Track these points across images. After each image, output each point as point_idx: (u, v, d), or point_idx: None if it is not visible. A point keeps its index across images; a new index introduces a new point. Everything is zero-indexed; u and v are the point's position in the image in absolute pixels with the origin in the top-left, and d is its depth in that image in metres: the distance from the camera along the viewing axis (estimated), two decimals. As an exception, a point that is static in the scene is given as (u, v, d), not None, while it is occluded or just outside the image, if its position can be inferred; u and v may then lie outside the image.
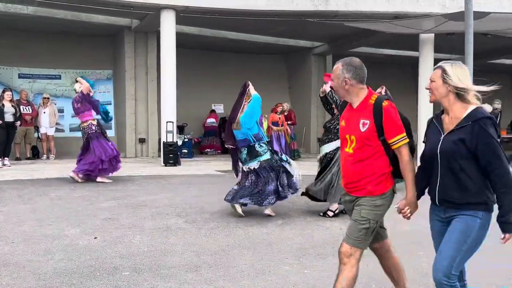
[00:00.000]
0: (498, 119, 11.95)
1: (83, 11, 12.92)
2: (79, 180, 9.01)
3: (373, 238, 3.21)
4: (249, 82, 6.57)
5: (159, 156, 13.50)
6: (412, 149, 3.09)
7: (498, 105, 12.16)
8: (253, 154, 6.31)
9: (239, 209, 6.38)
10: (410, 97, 15.38)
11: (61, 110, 14.36)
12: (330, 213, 6.59)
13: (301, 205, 7.39)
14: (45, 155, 13.41)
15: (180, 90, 13.00)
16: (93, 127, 8.99)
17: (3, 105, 11.36)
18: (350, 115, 3.14)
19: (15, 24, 13.61)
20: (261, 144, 6.33)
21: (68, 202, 7.33)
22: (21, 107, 12.42)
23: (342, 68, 3.08)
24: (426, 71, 13.48)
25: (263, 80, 16.57)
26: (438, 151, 2.75)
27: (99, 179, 9.11)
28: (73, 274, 4.15)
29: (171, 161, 12.13)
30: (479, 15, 10.51)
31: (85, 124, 9.04)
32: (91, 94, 9.20)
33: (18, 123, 11.80)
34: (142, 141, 14.84)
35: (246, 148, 6.34)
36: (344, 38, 15.76)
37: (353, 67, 3.08)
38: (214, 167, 12.00)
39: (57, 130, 13.82)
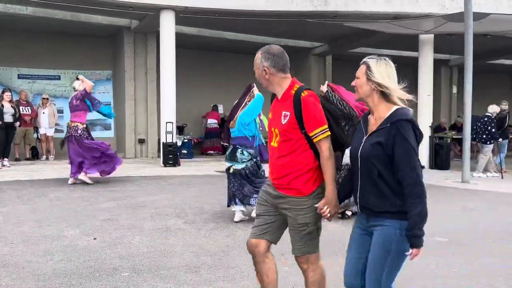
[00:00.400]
0: (507, 119, 11.93)
1: (83, 12, 12.92)
2: (77, 182, 8.85)
3: (271, 235, 3.01)
4: (254, 84, 6.53)
5: (159, 156, 13.50)
6: (341, 144, 2.95)
7: (505, 106, 12.12)
8: (232, 156, 6.19)
9: (239, 215, 6.29)
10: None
11: (60, 111, 14.34)
12: (349, 213, 6.50)
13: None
14: (44, 156, 13.40)
15: (179, 91, 12.99)
16: (79, 131, 8.78)
17: (2, 105, 11.35)
18: (275, 107, 2.98)
19: (14, 25, 13.61)
20: (244, 152, 6.16)
21: (67, 202, 7.32)
22: (21, 107, 12.41)
23: (261, 57, 2.90)
24: (426, 72, 13.50)
25: (263, 80, 16.57)
26: (359, 155, 2.55)
27: (81, 176, 8.79)
28: (73, 275, 4.14)
29: (171, 162, 12.13)
30: (478, 16, 10.51)
31: (73, 124, 8.83)
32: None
33: (18, 123, 11.79)
34: (141, 141, 14.84)
35: (232, 146, 6.23)
36: (343, 39, 15.76)
37: (271, 55, 2.89)
38: (214, 168, 12.00)
39: (56, 130, 13.80)
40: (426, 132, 13.37)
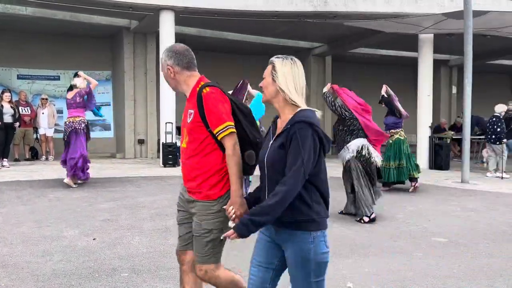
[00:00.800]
0: None
1: (82, 12, 12.91)
2: (73, 186, 8.70)
3: (186, 241, 2.92)
4: (247, 81, 6.44)
5: (158, 157, 13.49)
6: (252, 143, 2.77)
7: None
8: None
9: None
10: (410, 98, 15.37)
11: (60, 111, 14.33)
12: (366, 219, 6.38)
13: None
14: (44, 156, 13.39)
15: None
16: (83, 124, 8.75)
17: (2, 106, 11.35)
18: (185, 107, 2.88)
19: (14, 25, 13.60)
20: None
21: (66, 203, 7.31)
22: (20, 108, 12.41)
23: (165, 56, 2.85)
24: (426, 72, 13.49)
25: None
26: (265, 160, 2.38)
27: (66, 180, 8.68)
28: (72, 276, 4.14)
29: (170, 162, 12.12)
30: (478, 14, 10.53)
31: (78, 119, 8.70)
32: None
33: (17, 124, 11.79)
34: (141, 142, 14.84)
35: None
36: (343, 39, 15.76)
37: (174, 52, 2.84)
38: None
39: (56, 131, 13.80)
40: (426, 132, 13.38)
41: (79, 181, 8.94)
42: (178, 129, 14.69)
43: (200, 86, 2.78)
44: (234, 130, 2.70)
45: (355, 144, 6.44)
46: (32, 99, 14.27)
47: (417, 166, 9.10)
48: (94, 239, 5.33)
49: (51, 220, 6.19)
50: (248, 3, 12.11)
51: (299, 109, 2.36)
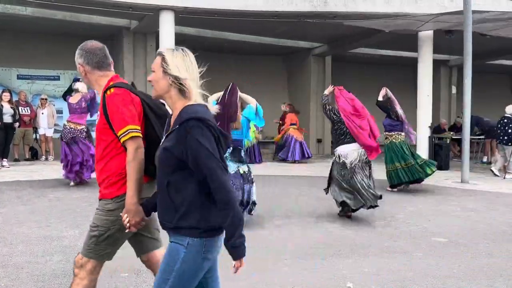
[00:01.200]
0: None
1: (82, 12, 12.91)
2: (72, 184, 8.77)
3: (139, 249, 2.90)
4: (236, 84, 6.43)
5: (158, 157, 13.48)
6: (152, 143, 2.58)
7: None
8: (236, 157, 5.97)
9: None
10: (410, 98, 15.39)
11: (59, 111, 14.32)
12: (349, 213, 6.56)
13: (300, 206, 7.39)
14: (43, 156, 13.39)
15: (179, 91, 12.97)
16: (84, 133, 8.82)
17: (1, 106, 11.36)
18: None
19: (14, 25, 13.61)
20: (242, 152, 6.06)
21: (66, 203, 7.31)
22: (20, 108, 12.41)
23: (77, 53, 2.78)
24: (425, 71, 13.49)
25: (263, 81, 16.57)
26: (156, 160, 2.25)
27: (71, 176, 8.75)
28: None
29: (170, 162, 12.10)
30: (477, 13, 10.54)
31: (79, 127, 8.78)
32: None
33: (17, 124, 11.80)
34: (141, 142, 14.83)
35: (232, 147, 5.97)
36: (343, 39, 15.76)
37: (84, 51, 2.77)
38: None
39: (55, 131, 13.79)
40: (426, 132, 13.38)
41: (75, 182, 8.91)
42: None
43: (107, 87, 2.67)
44: (136, 134, 2.57)
45: (340, 150, 6.54)
46: (32, 99, 14.27)
47: (421, 164, 8.93)
48: (94, 239, 5.33)
49: (51, 220, 6.19)
50: (248, 3, 12.12)
51: (187, 104, 2.21)
